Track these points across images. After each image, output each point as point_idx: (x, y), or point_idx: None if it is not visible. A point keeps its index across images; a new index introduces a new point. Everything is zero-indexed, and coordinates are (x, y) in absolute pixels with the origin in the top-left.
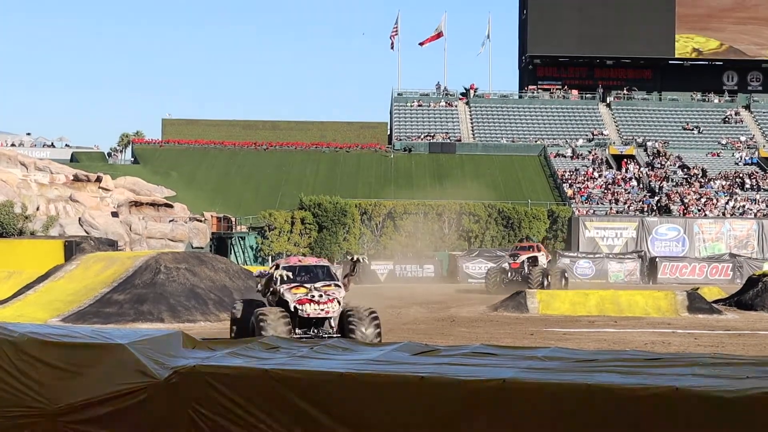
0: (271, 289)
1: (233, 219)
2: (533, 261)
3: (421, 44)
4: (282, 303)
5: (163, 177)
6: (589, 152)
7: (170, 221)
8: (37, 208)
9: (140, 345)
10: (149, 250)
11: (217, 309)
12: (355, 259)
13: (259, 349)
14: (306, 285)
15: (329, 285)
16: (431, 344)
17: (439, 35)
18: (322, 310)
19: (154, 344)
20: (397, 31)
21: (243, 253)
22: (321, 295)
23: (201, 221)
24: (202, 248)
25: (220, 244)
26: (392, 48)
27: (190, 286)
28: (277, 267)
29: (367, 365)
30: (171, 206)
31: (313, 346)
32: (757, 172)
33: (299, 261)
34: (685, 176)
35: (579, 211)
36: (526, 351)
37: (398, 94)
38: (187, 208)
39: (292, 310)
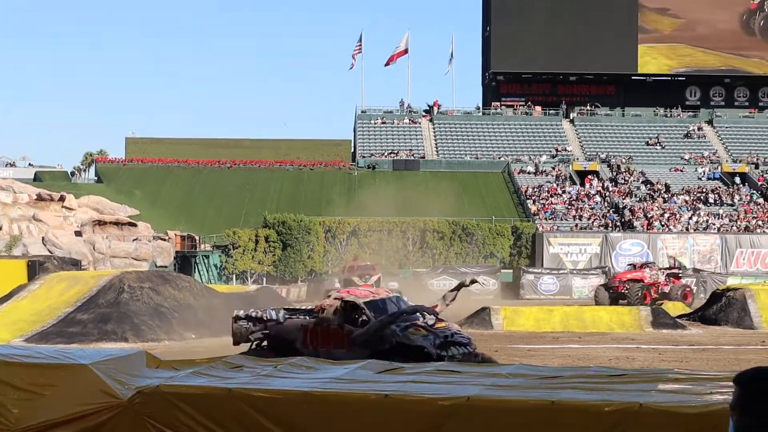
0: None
1: (197, 237)
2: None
3: (386, 64)
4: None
5: (126, 196)
6: (553, 168)
7: (134, 240)
8: (0, 228)
9: (104, 365)
10: (113, 269)
11: (181, 328)
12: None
13: (222, 368)
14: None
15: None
16: (395, 362)
17: (404, 52)
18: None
19: (117, 364)
20: (360, 49)
21: (207, 271)
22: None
23: (165, 240)
24: (166, 267)
25: (184, 262)
26: (352, 67)
27: (154, 305)
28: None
29: (331, 384)
30: (135, 225)
31: (277, 365)
32: (720, 187)
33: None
34: (649, 191)
35: (543, 227)
36: (491, 368)
37: (362, 112)
38: (151, 227)
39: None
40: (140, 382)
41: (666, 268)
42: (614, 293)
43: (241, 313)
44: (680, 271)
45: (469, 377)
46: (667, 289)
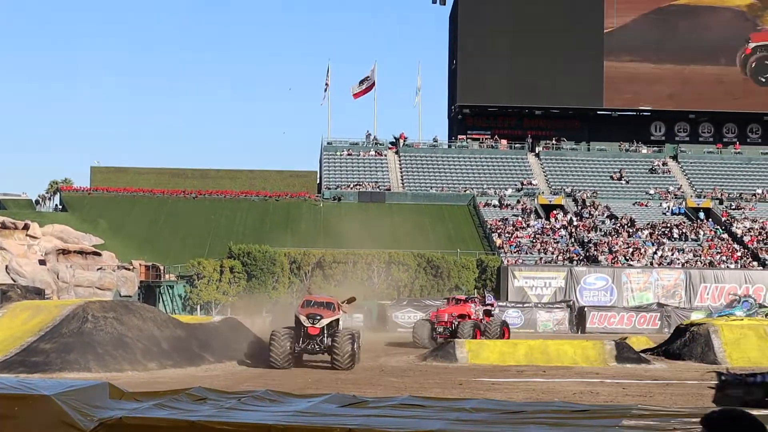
0: None
1: (162, 267)
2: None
3: (355, 96)
4: None
5: (91, 225)
6: (518, 202)
7: (98, 269)
8: None
9: (66, 396)
10: (77, 298)
11: (145, 358)
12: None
13: (186, 400)
14: None
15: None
16: (359, 396)
17: (371, 86)
18: None
19: (80, 395)
20: (328, 82)
21: (171, 301)
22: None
23: (129, 270)
24: (130, 297)
25: (149, 292)
26: (322, 104)
27: (118, 335)
28: None
29: (294, 417)
30: (99, 254)
31: (241, 398)
32: (684, 222)
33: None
34: (613, 226)
35: (508, 260)
36: (455, 402)
37: (328, 143)
38: (116, 257)
39: None
40: (103, 413)
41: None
42: (444, 329)
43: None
44: (493, 307)
45: (433, 411)
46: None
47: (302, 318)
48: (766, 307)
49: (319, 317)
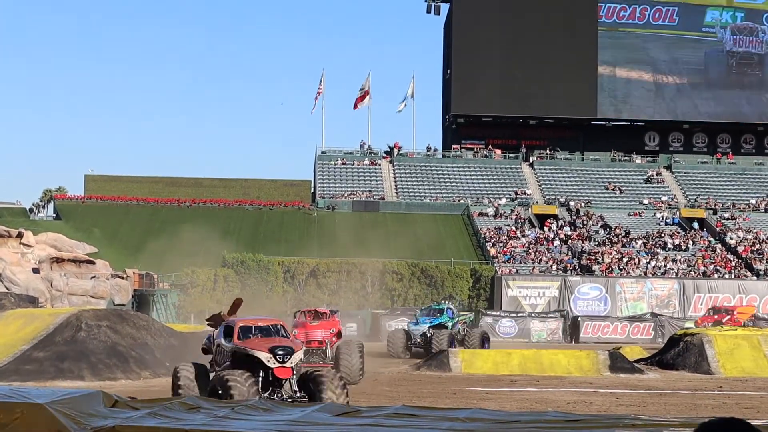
0: None
1: (155, 276)
2: (439, 325)
3: (354, 107)
4: None
5: (85, 233)
6: (512, 211)
7: (92, 278)
8: None
9: (59, 405)
10: (70, 307)
11: (139, 367)
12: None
13: (179, 409)
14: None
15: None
16: (353, 405)
17: (366, 94)
18: None
19: (73, 404)
20: (321, 90)
21: (165, 310)
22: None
23: (123, 278)
24: (123, 305)
25: (142, 301)
26: (312, 112)
27: (112, 343)
28: None
29: (287, 426)
30: (93, 263)
31: (234, 407)
32: (678, 232)
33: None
34: (607, 236)
35: (502, 270)
36: (448, 412)
37: (322, 152)
38: (109, 265)
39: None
40: (96, 422)
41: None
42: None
43: None
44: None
45: (426, 421)
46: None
47: (261, 355)
48: (465, 314)
49: (288, 352)
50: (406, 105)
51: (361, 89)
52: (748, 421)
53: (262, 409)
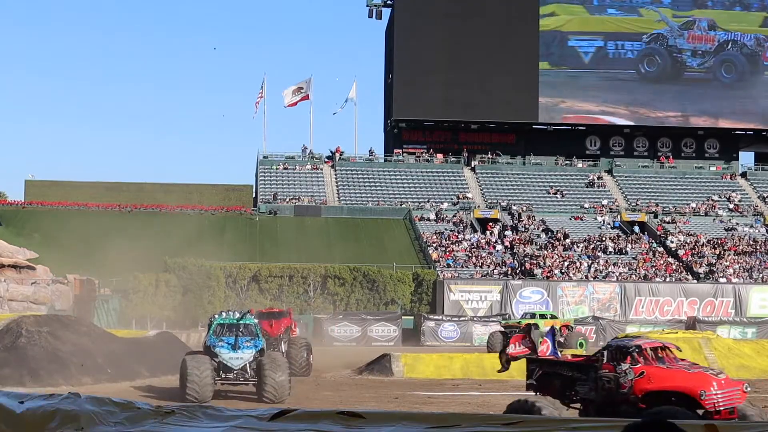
0: None
1: (97, 281)
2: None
3: (290, 105)
4: None
5: (25, 239)
6: (454, 215)
7: (32, 284)
8: None
9: None
10: (10, 313)
11: (80, 373)
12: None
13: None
14: None
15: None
16: (291, 408)
17: (305, 98)
18: None
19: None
20: (262, 95)
21: (107, 315)
22: None
23: (64, 284)
24: (65, 311)
25: (84, 306)
26: (254, 116)
27: (53, 349)
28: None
29: None
30: (33, 268)
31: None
32: (619, 236)
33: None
34: (549, 239)
35: (444, 274)
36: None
37: (264, 157)
38: (50, 271)
39: None
40: None
41: None
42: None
43: None
44: None
45: (371, 424)
46: None
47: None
48: None
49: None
50: (343, 108)
51: (295, 90)
52: (673, 421)
53: (199, 415)
